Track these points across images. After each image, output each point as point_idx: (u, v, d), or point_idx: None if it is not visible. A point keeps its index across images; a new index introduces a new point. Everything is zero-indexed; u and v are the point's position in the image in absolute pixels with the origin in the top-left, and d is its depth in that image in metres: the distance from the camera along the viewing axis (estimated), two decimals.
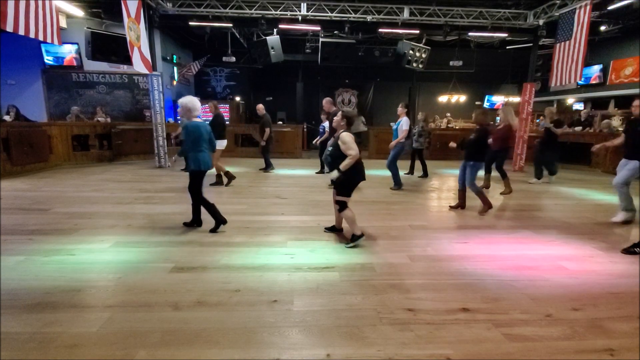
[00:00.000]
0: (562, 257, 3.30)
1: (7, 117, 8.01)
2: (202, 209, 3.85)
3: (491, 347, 1.98)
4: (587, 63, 11.37)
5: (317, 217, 4.41)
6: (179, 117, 7.85)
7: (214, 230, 3.77)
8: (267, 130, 7.53)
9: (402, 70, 11.32)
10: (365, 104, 15.55)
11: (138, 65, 7.22)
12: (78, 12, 9.21)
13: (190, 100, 3.65)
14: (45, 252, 3.17)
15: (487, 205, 4.69)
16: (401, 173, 6.54)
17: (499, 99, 16.00)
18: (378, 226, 4.14)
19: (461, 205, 4.91)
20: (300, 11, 8.90)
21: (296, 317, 2.24)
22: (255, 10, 8.85)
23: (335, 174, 3.30)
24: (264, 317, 2.23)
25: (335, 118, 3.56)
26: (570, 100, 14.20)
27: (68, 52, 10.52)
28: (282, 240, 3.60)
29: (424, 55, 10.04)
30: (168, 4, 8.72)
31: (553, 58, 8.11)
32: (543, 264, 3.14)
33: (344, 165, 3.25)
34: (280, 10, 8.87)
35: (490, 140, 5.05)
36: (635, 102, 4.21)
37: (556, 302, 2.47)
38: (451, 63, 12.14)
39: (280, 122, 13.33)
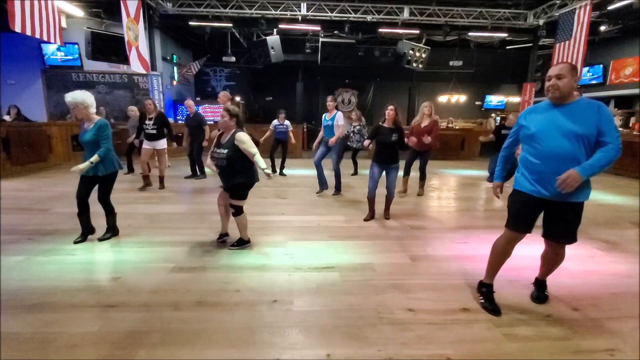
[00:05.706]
0: None
1: (7, 117, 8.00)
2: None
3: (491, 347, 1.98)
4: (587, 63, 11.38)
5: (317, 217, 4.41)
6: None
7: (79, 242, 3.39)
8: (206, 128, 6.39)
9: (402, 70, 11.34)
10: (365, 104, 15.56)
11: (135, 65, 7.23)
12: (78, 12, 9.22)
13: (83, 94, 3.20)
14: (45, 252, 3.17)
15: (372, 214, 4.38)
16: (347, 173, 6.49)
17: (498, 99, 16.03)
18: (378, 226, 4.14)
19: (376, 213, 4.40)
20: (300, 11, 8.91)
21: (296, 317, 2.24)
22: (255, 10, 8.86)
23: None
24: (264, 317, 2.23)
25: (224, 118, 3.10)
26: None
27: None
28: (282, 240, 3.60)
29: (423, 55, 10.05)
30: (168, 3, 8.73)
31: (553, 58, 8.11)
32: None
33: (257, 160, 3.05)
34: (280, 10, 8.88)
35: (413, 139, 4.71)
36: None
37: (556, 302, 2.47)
38: (451, 63, 12.15)
39: None
